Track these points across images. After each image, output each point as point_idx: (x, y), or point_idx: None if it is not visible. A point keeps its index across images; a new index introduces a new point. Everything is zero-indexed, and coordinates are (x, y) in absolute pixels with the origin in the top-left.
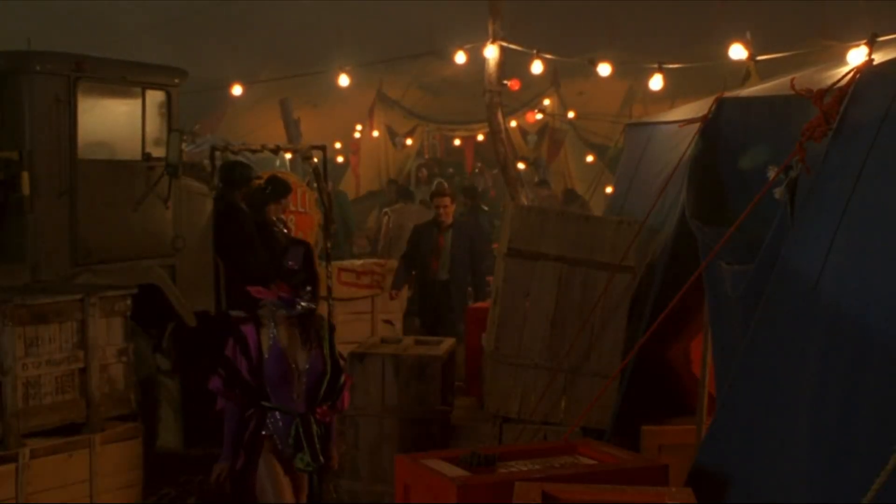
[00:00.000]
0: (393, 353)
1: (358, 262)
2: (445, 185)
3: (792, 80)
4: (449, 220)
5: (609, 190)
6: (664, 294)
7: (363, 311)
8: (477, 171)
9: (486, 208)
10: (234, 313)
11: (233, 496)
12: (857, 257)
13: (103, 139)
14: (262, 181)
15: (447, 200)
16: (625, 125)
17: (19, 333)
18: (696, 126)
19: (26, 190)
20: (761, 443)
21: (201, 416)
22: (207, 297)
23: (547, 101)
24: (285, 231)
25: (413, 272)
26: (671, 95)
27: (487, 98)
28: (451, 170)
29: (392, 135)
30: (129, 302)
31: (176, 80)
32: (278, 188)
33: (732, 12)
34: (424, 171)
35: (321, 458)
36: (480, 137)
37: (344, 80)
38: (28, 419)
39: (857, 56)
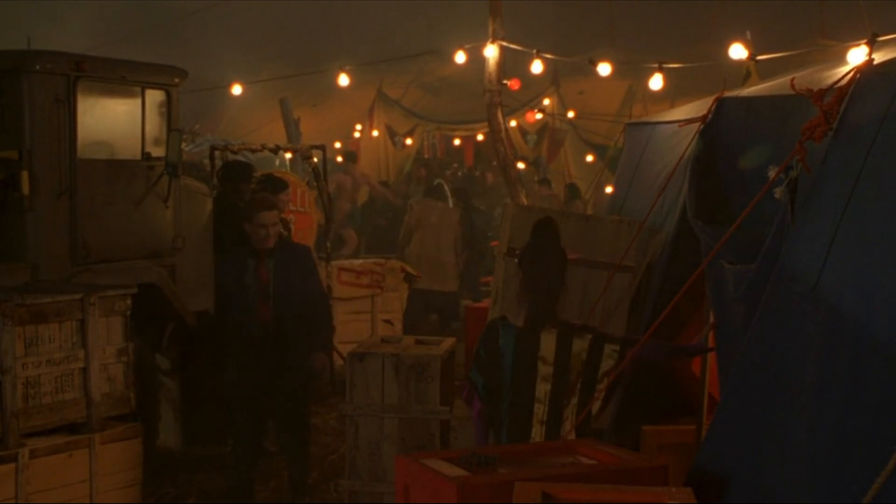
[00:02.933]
0: (393, 353)
1: (358, 262)
2: (445, 185)
3: (792, 80)
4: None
5: (609, 190)
6: (664, 294)
7: (363, 311)
8: (478, 173)
9: (481, 208)
10: None
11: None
12: (858, 257)
13: (103, 139)
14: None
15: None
16: (625, 125)
17: (19, 333)
18: (696, 126)
19: (26, 189)
20: (761, 443)
21: (201, 416)
22: (207, 296)
23: (547, 101)
24: (284, 232)
25: None
26: (671, 95)
27: (487, 98)
28: (455, 164)
29: (392, 134)
30: (129, 302)
31: (176, 80)
32: (273, 186)
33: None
34: (424, 171)
35: None
36: (480, 137)
37: (344, 80)
38: (28, 419)
39: (857, 56)
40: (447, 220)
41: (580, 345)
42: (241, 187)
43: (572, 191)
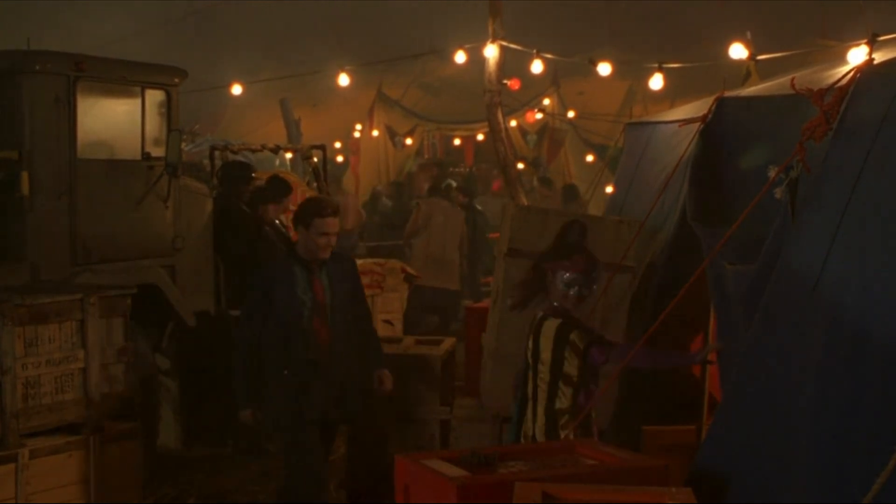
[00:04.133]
0: (393, 353)
1: (358, 262)
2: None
3: (792, 79)
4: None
5: (609, 190)
6: (664, 294)
7: None
8: (475, 170)
9: (479, 208)
10: (233, 313)
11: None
12: (857, 257)
13: (103, 139)
14: (261, 181)
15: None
16: (625, 125)
17: (19, 333)
18: (696, 126)
19: (26, 190)
20: (761, 443)
21: (201, 416)
22: (207, 297)
23: (547, 101)
24: (284, 232)
25: None
26: (671, 95)
27: (487, 98)
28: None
29: (392, 134)
30: (129, 302)
31: (176, 80)
32: (279, 188)
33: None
34: (435, 170)
35: None
36: (480, 137)
37: (344, 80)
38: (28, 419)
39: (857, 56)
40: (453, 219)
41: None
42: (240, 188)
43: (570, 192)
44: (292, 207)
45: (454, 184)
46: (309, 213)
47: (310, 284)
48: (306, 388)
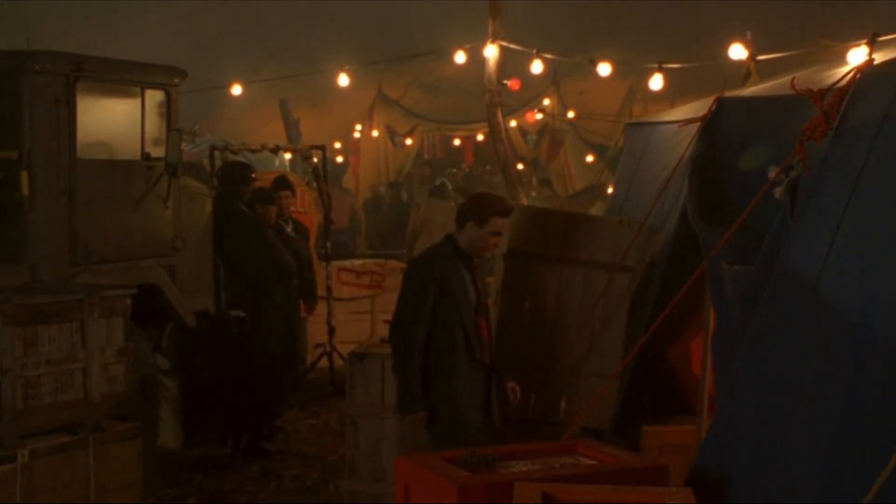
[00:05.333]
0: None
1: (358, 262)
2: (447, 184)
3: (792, 80)
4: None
5: (609, 190)
6: (664, 294)
7: (363, 311)
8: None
9: None
10: (233, 313)
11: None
12: (857, 257)
13: (103, 139)
14: (260, 181)
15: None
16: (625, 125)
17: (19, 333)
18: (696, 126)
19: (25, 190)
20: (761, 443)
21: (201, 416)
22: (207, 297)
23: (547, 101)
24: (288, 230)
25: None
26: (671, 95)
27: (487, 98)
28: (463, 165)
29: (392, 134)
30: (129, 302)
31: (175, 80)
32: (279, 186)
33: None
34: (428, 169)
35: None
36: (480, 137)
37: (344, 80)
38: (28, 419)
39: (857, 56)
40: (451, 219)
41: None
42: (240, 188)
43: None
44: (295, 209)
45: (448, 183)
46: (487, 209)
47: (472, 282)
48: (476, 390)
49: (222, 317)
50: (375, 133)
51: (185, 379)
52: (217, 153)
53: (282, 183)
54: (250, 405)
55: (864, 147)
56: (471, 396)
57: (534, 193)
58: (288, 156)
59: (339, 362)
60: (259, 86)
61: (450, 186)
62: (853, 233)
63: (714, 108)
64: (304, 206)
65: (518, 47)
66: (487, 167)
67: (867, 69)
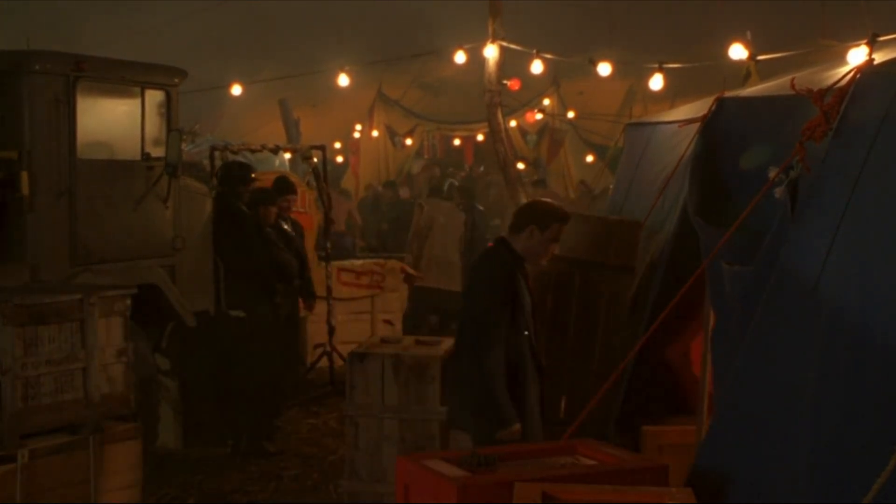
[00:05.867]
0: (393, 353)
1: (358, 262)
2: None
3: (792, 80)
4: None
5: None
6: (664, 294)
7: (363, 311)
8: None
9: (481, 208)
10: (233, 313)
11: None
12: (858, 257)
13: (102, 139)
14: (259, 181)
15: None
16: (625, 125)
17: (18, 333)
18: (696, 126)
19: (25, 190)
20: (761, 443)
21: (201, 416)
22: (207, 297)
23: (547, 101)
24: (287, 228)
25: None
26: (671, 95)
27: (487, 98)
28: (472, 166)
29: (392, 135)
30: (128, 302)
31: (175, 80)
32: (281, 187)
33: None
34: (437, 170)
35: None
36: (480, 137)
37: (344, 80)
38: (27, 419)
39: (857, 56)
40: (453, 219)
41: None
42: (239, 188)
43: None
44: (295, 209)
45: (456, 183)
46: (549, 216)
47: (527, 286)
48: (538, 394)
49: (222, 317)
50: (375, 133)
51: (185, 379)
52: (217, 153)
53: (286, 187)
54: (250, 405)
55: (864, 147)
56: (537, 401)
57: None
58: (288, 156)
59: (339, 362)
60: (259, 86)
61: (457, 186)
62: (853, 233)
63: (714, 108)
64: (304, 206)
65: (518, 47)
66: (481, 168)
67: (867, 69)
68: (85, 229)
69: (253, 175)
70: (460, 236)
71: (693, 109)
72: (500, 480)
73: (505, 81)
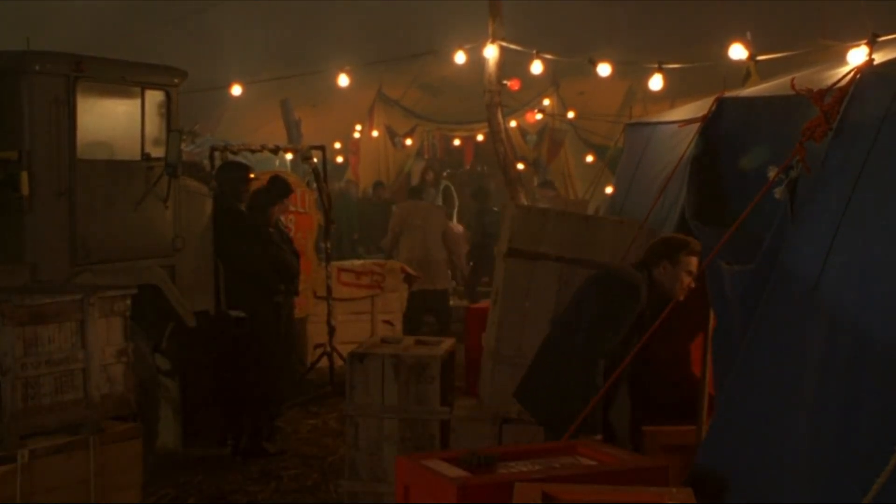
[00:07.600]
0: (393, 353)
1: (358, 262)
2: (451, 188)
3: (792, 80)
4: None
5: (609, 190)
6: None
7: (363, 311)
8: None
9: (496, 209)
10: (233, 313)
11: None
12: (857, 257)
13: (102, 139)
14: (259, 181)
15: None
16: (625, 125)
17: (18, 333)
18: (696, 126)
19: (25, 190)
20: (761, 443)
21: (201, 416)
22: (207, 297)
23: (547, 101)
24: (287, 233)
25: None
26: (671, 95)
27: (487, 98)
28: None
29: (392, 135)
30: (128, 302)
31: (175, 80)
32: (281, 189)
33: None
34: (431, 174)
35: None
36: (480, 137)
37: (344, 80)
38: (27, 419)
39: (857, 56)
40: (432, 219)
41: None
42: (239, 188)
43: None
44: (292, 207)
45: (452, 188)
46: (674, 247)
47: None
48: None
49: (222, 317)
50: (375, 133)
51: (185, 379)
52: (217, 153)
53: (285, 189)
54: (250, 405)
55: (864, 147)
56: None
57: (534, 189)
58: (288, 156)
59: (339, 362)
60: (259, 86)
61: (452, 189)
62: (853, 233)
63: (714, 108)
64: (304, 206)
65: (518, 47)
66: (479, 168)
67: (867, 69)
68: (85, 229)
69: (252, 175)
70: (442, 233)
71: (693, 109)
72: (500, 480)
73: (505, 82)
